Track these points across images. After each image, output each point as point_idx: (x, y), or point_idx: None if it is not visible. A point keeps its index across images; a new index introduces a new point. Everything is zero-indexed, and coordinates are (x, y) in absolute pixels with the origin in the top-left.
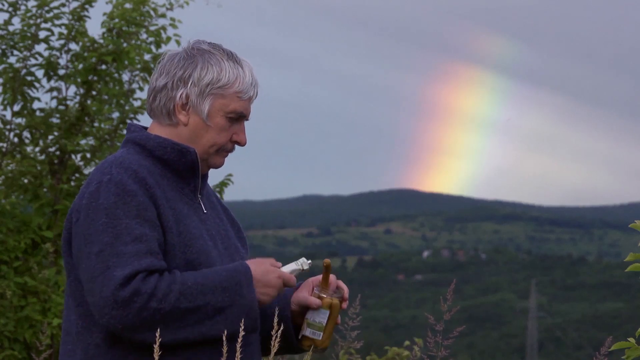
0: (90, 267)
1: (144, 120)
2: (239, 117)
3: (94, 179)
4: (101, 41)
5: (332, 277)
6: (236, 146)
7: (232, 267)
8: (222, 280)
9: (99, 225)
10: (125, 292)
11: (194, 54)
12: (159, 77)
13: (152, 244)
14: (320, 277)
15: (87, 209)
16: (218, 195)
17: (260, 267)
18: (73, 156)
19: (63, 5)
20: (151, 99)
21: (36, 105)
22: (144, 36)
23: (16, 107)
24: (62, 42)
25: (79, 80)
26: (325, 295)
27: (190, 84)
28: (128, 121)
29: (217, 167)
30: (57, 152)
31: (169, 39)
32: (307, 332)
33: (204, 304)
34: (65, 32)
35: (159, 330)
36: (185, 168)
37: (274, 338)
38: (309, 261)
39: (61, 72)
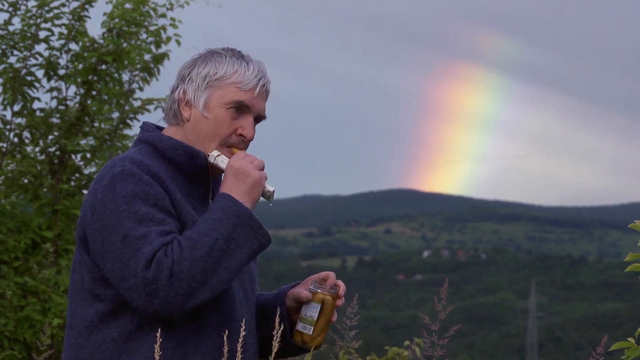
0: (119, 254)
1: (144, 120)
2: (243, 109)
3: (105, 174)
4: (101, 41)
5: (331, 274)
6: (249, 144)
7: (213, 202)
8: (212, 214)
9: (119, 212)
10: (151, 269)
11: (200, 56)
12: (173, 84)
13: (173, 226)
14: (320, 274)
15: (103, 202)
16: None
17: (224, 181)
18: (73, 156)
19: (63, 5)
20: (167, 105)
21: (36, 105)
22: (144, 36)
23: (16, 107)
24: (62, 42)
25: (79, 80)
26: (319, 291)
27: (188, 80)
28: (144, 120)
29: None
30: (57, 152)
31: (169, 39)
32: (299, 326)
33: (214, 241)
34: (65, 32)
35: (195, 289)
36: (195, 172)
37: (274, 339)
38: (319, 285)
39: (61, 72)
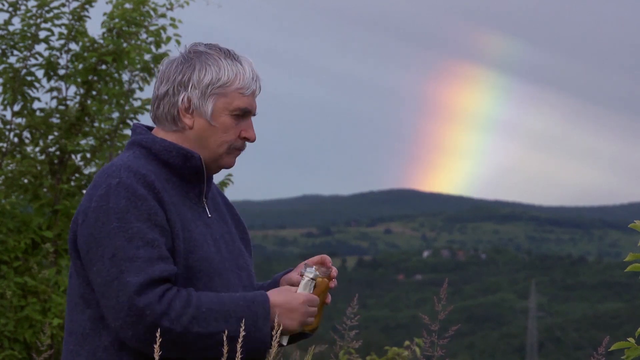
0: (104, 270)
1: (144, 120)
2: (245, 114)
3: (102, 182)
4: (101, 41)
5: (324, 257)
6: (246, 143)
7: (250, 296)
8: (238, 310)
9: (110, 229)
10: (140, 302)
11: (191, 57)
12: (160, 84)
13: (162, 249)
14: (313, 258)
15: (96, 211)
16: (224, 194)
17: (282, 295)
18: (73, 156)
19: (63, 5)
20: (155, 106)
21: (36, 105)
22: (144, 36)
23: (16, 107)
24: (62, 42)
25: (79, 80)
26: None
27: (191, 87)
28: (134, 122)
29: (228, 167)
30: (57, 152)
31: (169, 39)
32: None
33: (217, 331)
34: (65, 32)
35: (165, 347)
36: (190, 173)
37: (274, 339)
38: (312, 268)
39: (61, 72)
